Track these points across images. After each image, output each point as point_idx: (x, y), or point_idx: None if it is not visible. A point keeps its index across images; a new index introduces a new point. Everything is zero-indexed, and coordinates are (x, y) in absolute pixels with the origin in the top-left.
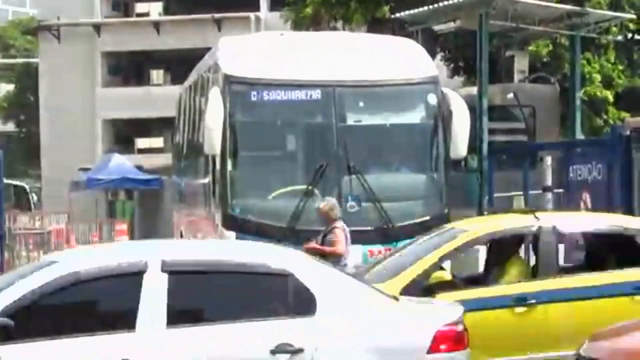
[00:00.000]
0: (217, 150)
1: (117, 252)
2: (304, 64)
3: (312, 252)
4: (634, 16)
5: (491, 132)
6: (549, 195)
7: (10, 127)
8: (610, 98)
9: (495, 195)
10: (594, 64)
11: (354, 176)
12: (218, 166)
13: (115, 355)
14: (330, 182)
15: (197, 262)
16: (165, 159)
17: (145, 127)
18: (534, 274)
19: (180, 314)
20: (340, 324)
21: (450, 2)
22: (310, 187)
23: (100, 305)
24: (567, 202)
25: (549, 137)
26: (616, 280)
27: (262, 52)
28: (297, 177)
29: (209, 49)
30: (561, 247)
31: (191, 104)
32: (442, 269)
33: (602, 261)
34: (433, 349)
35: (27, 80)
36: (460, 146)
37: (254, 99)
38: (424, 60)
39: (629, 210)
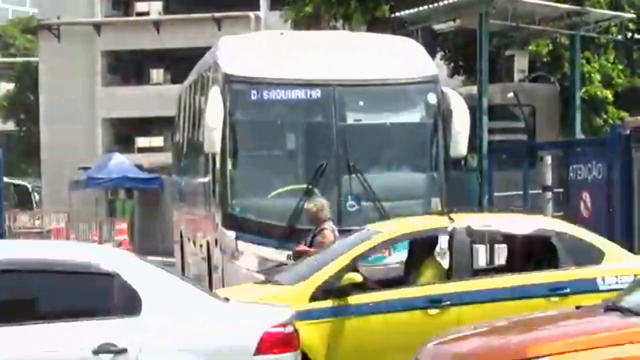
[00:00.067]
0: (217, 149)
1: None
2: (303, 63)
3: (302, 254)
4: (633, 15)
5: (491, 131)
6: (549, 194)
7: (10, 126)
8: (610, 98)
9: (495, 194)
10: (593, 63)
11: (353, 175)
12: (218, 165)
13: None
14: (330, 182)
15: (18, 260)
16: (165, 158)
17: (145, 126)
18: (449, 275)
19: None
20: (166, 324)
21: (450, 1)
22: (310, 187)
23: None
24: (567, 201)
25: (549, 136)
26: (531, 281)
27: (262, 51)
28: (297, 176)
29: (208, 48)
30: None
31: (191, 103)
32: (356, 270)
33: (522, 263)
34: (260, 350)
35: (27, 79)
36: (460, 145)
37: (253, 98)
38: (424, 59)
39: (629, 210)
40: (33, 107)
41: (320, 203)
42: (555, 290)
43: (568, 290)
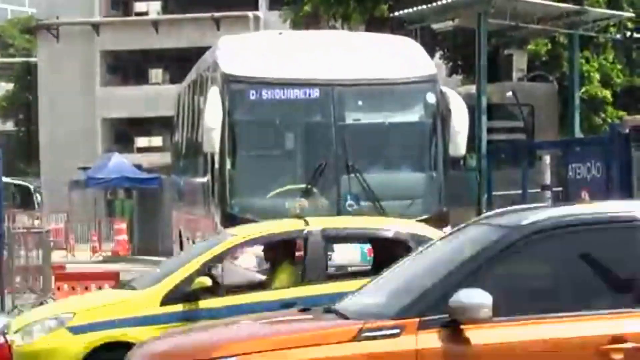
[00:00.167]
0: (216, 149)
1: None
2: (302, 63)
3: None
4: (632, 15)
5: (490, 130)
6: (548, 193)
7: (9, 126)
8: (610, 97)
9: (494, 193)
10: (593, 62)
11: (352, 175)
12: (217, 165)
13: None
14: (329, 181)
15: None
16: (164, 158)
17: (144, 126)
18: (303, 278)
19: None
20: None
21: (449, 0)
22: (309, 186)
23: None
24: (566, 200)
25: (548, 135)
26: None
27: (261, 51)
28: (296, 176)
29: (207, 48)
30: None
31: (190, 103)
32: (208, 274)
33: (380, 267)
34: None
35: (26, 79)
36: (459, 145)
37: (252, 97)
38: (422, 58)
39: None
40: (32, 107)
41: (303, 204)
42: None
43: None
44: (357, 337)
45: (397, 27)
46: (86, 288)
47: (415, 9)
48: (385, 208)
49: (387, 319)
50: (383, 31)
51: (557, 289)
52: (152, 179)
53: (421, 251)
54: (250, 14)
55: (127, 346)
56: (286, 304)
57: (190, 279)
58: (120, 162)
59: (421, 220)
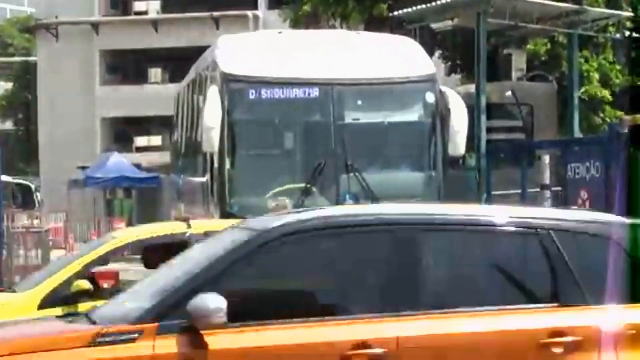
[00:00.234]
0: (215, 148)
1: None
2: (302, 62)
3: None
4: (631, 14)
5: (489, 130)
6: (547, 193)
7: (8, 125)
8: (609, 97)
9: (493, 193)
10: (592, 62)
11: (351, 174)
12: (216, 164)
13: None
14: (328, 180)
15: None
16: (163, 157)
17: (144, 125)
18: None
19: None
20: None
21: (448, 0)
22: (308, 185)
23: None
24: (565, 200)
25: (547, 135)
26: None
27: (261, 50)
28: (295, 175)
29: (207, 47)
30: None
31: (189, 102)
32: (88, 277)
33: None
34: None
35: (25, 78)
36: (458, 144)
37: (252, 97)
38: (421, 58)
39: (627, 209)
40: (31, 107)
41: (283, 204)
42: None
43: None
44: (92, 343)
45: (396, 26)
46: None
47: (414, 8)
48: None
49: (127, 324)
50: (382, 31)
51: (300, 294)
52: (151, 179)
53: (184, 253)
54: (249, 13)
55: None
56: None
57: (69, 281)
58: (120, 162)
59: None
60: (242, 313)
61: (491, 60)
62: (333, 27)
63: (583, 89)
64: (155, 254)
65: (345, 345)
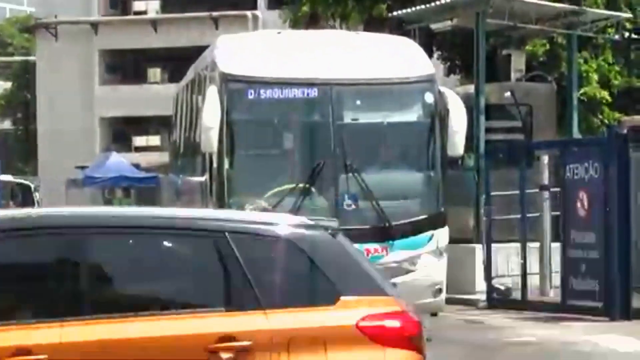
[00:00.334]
0: (214, 148)
1: None
2: (301, 62)
3: None
4: (630, 15)
5: (488, 130)
6: (546, 194)
7: (7, 124)
8: (608, 99)
9: (492, 193)
10: (591, 63)
11: (350, 175)
12: (215, 164)
13: None
14: (327, 181)
15: None
16: (162, 157)
17: (143, 125)
18: None
19: None
20: None
21: (447, 0)
22: (307, 186)
23: None
24: (563, 201)
25: (546, 135)
26: None
27: (260, 50)
28: (294, 175)
29: (206, 47)
30: None
31: (188, 102)
32: None
33: None
34: None
35: (24, 78)
36: (457, 145)
37: (251, 97)
38: (421, 58)
39: (626, 209)
40: (30, 106)
41: (261, 205)
42: None
43: None
44: None
45: (396, 27)
46: None
47: (413, 8)
48: (383, 208)
49: None
50: (381, 31)
51: None
52: (150, 178)
53: None
54: (248, 13)
55: None
56: None
57: None
58: (118, 161)
59: (418, 221)
60: None
61: (490, 61)
62: (332, 27)
63: (582, 90)
64: None
65: (5, 350)
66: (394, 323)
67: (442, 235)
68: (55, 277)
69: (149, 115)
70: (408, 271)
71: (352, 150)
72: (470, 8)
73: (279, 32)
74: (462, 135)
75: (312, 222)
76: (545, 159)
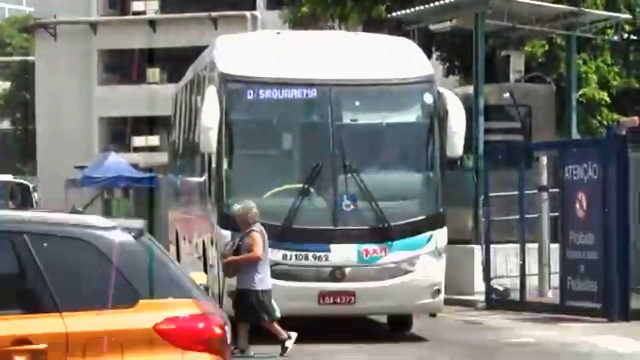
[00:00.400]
0: (213, 148)
1: None
2: (300, 63)
3: (232, 264)
4: (629, 17)
5: (487, 131)
6: (545, 195)
7: (6, 124)
8: (607, 100)
9: (491, 194)
10: (590, 64)
11: (349, 175)
12: (214, 165)
13: None
14: (326, 181)
15: None
16: (161, 157)
17: (141, 125)
18: None
19: None
20: None
21: (447, 1)
22: (306, 186)
23: None
24: (562, 201)
25: (545, 136)
26: None
27: (259, 50)
28: (293, 176)
29: (205, 47)
30: None
31: (187, 102)
32: None
33: None
34: None
35: (23, 77)
36: (456, 145)
37: (250, 97)
38: (420, 59)
39: (625, 210)
40: (29, 106)
41: (248, 206)
42: None
43: None
44: None
45: (395, 27)
46: None
47: (412, 9)
48: (382, 208)
49: None
50: (381, 31)
51: None
52: (149, 178)
53: None
54: (248, 13)
55: None
56: None
57: None
58: (117, 161)
59: (417, 221)
60: None
61: (489, 62)
62: (332, 28)
63: (581, 91)
64: None
65: None
66: (193, 326)
67: (440, 236)
68: None
69: (148, 115)
70: (407, 272)
71: (351, 151)
72: (469, 9)
73: (278, 33)
74: (461, 136)
75: (113, 224)
76: (544, 159)
